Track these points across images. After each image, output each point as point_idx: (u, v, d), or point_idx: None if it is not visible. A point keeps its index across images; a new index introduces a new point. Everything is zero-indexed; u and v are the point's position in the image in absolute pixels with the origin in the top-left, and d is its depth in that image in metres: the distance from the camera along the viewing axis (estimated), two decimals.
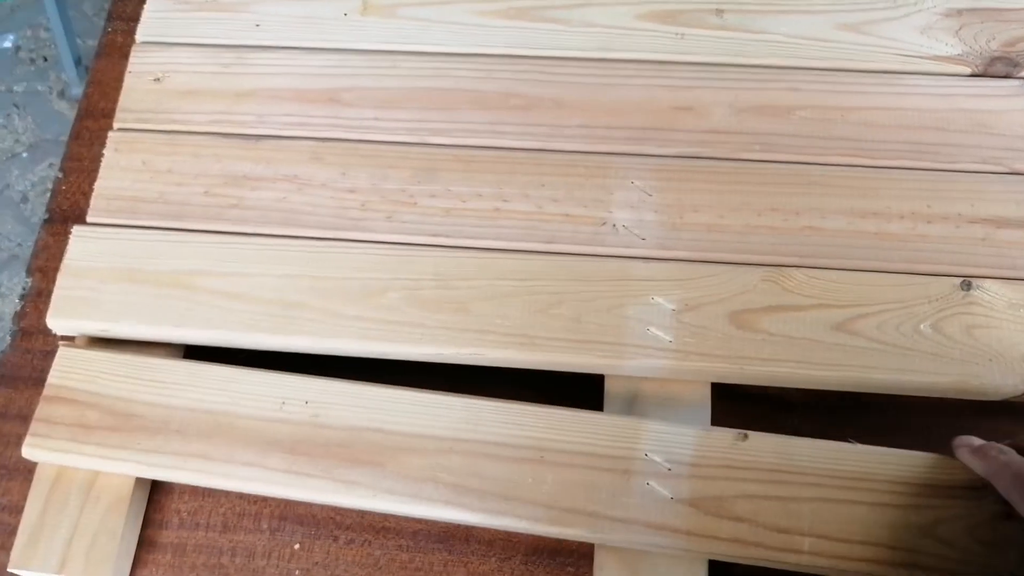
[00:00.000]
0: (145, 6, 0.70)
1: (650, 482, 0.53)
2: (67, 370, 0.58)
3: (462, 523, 0.54)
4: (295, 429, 0.55)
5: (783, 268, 0.59)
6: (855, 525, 0.52)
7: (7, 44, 1.85)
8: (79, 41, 1.75)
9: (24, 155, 1.77)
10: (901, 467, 0.53)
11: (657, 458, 0.54)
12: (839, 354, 0.56)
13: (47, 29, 1.85)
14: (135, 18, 0.71)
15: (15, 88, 1.82)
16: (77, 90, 1.73)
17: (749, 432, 0.54)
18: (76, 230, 0.62)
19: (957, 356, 0.56)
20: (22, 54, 1.84)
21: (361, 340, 0.58)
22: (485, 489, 0.53)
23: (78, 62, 1.72)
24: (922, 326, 0.57)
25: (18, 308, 0.65)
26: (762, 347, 0.56)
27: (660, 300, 0.58)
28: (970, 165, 0.62)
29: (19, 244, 1.66)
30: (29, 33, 1.88)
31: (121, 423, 0.56)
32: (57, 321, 0.59)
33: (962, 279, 0.58)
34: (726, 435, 0.54)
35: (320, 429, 0.55)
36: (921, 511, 0.52)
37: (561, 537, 0.54)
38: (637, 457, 0.54)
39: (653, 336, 0.57)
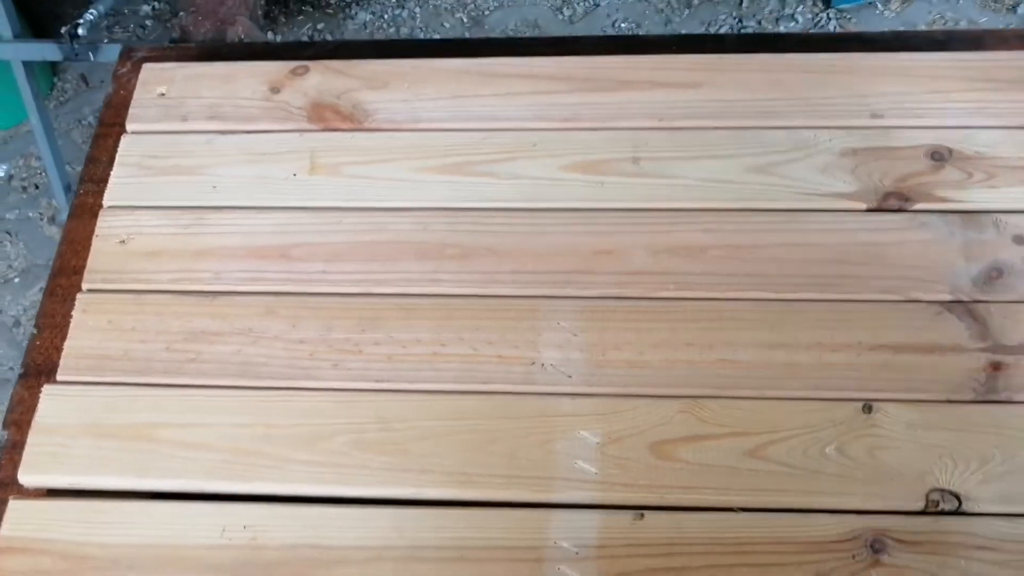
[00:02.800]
0: (112, 172, 0.76)
1: (560, 567, 0.58)
2: (19, 521, 0.62)
3: None
4: (236, 553, 0.60)
5: (699, 399, 0.63)
6: None
7: (0, 174, 1.92)
8: (68, 168, 1.82)
9: (16, 280, 1.83)
10: (782, 528, 0.59)
11: (565, 544, 0.59)
12: (752, 479, 0.61)
13: (38, 158, 1.92)
14: (104, 179, 0.77)
15: (7, 216, 1.88)
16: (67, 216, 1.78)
17: (645, 511, 0.60)
18: (46, 389, 0.67)
19: (860, 477, 0.60)
20: (15, 183, 1.91)
21: (312, 484, 0.62)
22: None
23: (68, 189, 1.78)
24: (827, 449, 0.61)
25: None
26: (681, 475, 0.61)
27: (586, 434, 0.63)
28: (869, 295, 0.67)
29: (11, 368, 1.70)
30: (21, 162, 1.95)
31: (75, 566, 0.60)
32: (28, 477, 0.64)
33: (864, 403, 0.63)
34: (625, 516, 0.60)
35: (259, 551, 0.60)
36: (804, 567, 0.58)
37: None
38: (548, 545, 0.59)
39: (580, 469, 0.61)
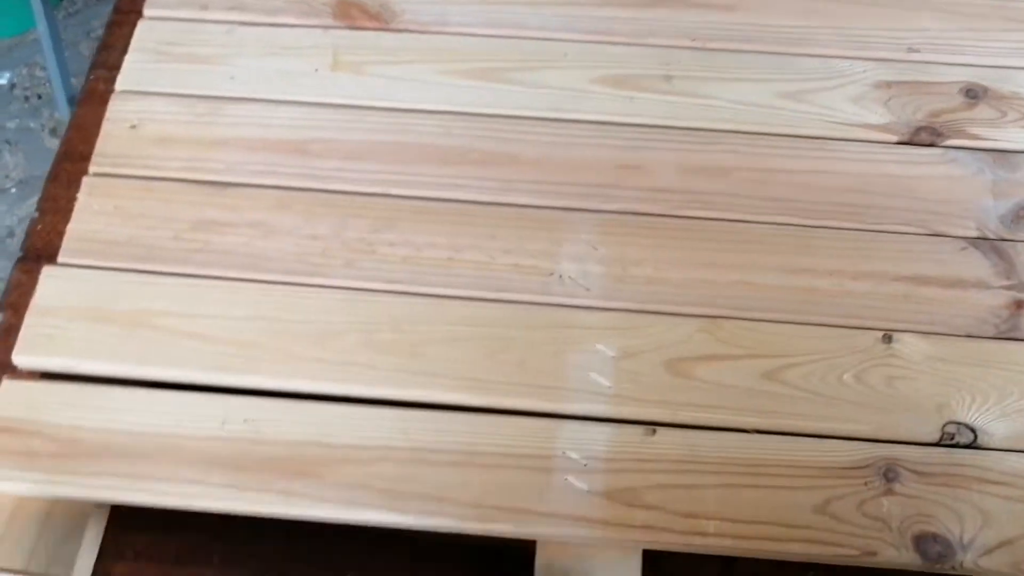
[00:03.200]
0: (127, 57, 0.74)
1: (568, 477, 0.57)
2: (11, 402, 0.60)
3: (397, 526, 0.57)
4: (235, 446, 0.58)
5: (717, 320, 0.62)
6: (755, 507, 0.56)
7: (3, 81, 1.89)
8: (73, 81, 1.79)
9: (13, 191, 1.80)
10: (796, 452, 0.58)
11: (574, 455, 0.58)
12: (767, 401, 0.60)
13: (43, 68, 1.89)
14: (117, 67, 0.75)
15: (8, 124, 1.85)
16: None
17: (657, 427, 0.59)
18: (46, 270, 0.65)
19: (877, 405, 0.59)
20: (17, 91, 1.88)
21: (316, 380, 0.61)
22: (417, 492, 0.57)
23: (71, 101, 1.76)
24: (845, 376, 0.60)
25: None
26: (695, 393, 0.60)
27: (601, 347, 0.61)
28: (894, 227, 0.66)
29: (2, 279, 1.68)
30: (25, 71, 1.92)
31: (66, 449, 0.58)
32: (23, 358, 0.62)
33: (884, 333, 0.62)
34: (636, 430, 0.59)
35: (259, 445, 0.58)
36: (814, 491, 0.57)
37: (490, 533, 0.57)
38: (556, 455, 0.58)
39: (593, 381, 0.60)
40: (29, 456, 0.58)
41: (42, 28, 1.57)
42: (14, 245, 1.73)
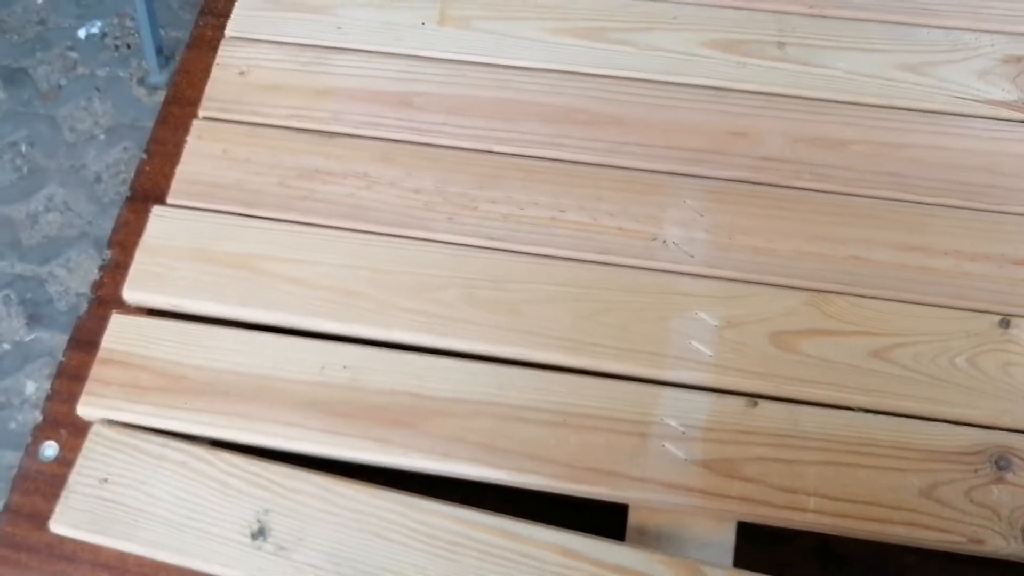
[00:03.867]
0: (236, 3, 0.74)
1: (665, 444, 0.57)
2: (120, 335, 0.62)
3: (488, 480, 0.57)
4: (334, 392, 0.59)
5: (826, 294, 0.61)
6: (857, 487, 0.55)
7: (94, 30, 1.92)
8: (162, 32, 1.82)
9: (101, 137, 1.84)
10: (903, 433, 0.57)
11: (672, 422, 0.57)
12: (874, 380, 0.58)
13: (133, 18, 1.91)
14: (225, 14, 0.75)
15: (98, 72, 1.88)
16: (157, 78, 1.78)
17: (759, 399, 0.57)
18: (156, 210, 0.66)
19: (990, 391, 0.57)
20: (107, 40, 1.91)
21: (414, 332, 0.61)
22: (511, 449, 0.57)
23: (159, 51, 1.78)
24: (958, 359, 0.58)
25: (96, 278, 0.69)
26: (799, 368, 0.59)
27: (704, 316, 0.60)
28: (1017, 208, 0.63)
29: (89, 222, 1.72)
30: (116, 21, 1.94)
31: (171, 384, 0.60)
32: (132, 294, 0.63)
33: (1001, 317, 0.59)
34: (738, 401, 0.58)
35: (357, 392, 0.59)
36: (921, 474, 0.55)
37: (583, 495, 0.56)
38: (654, 421, 0.57)
39: (694, 349, 0.59)
40: (137, 389, 0.59)
41: None
42: (101, 190, 1.77)
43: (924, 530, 0.54)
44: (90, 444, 0.58)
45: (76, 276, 1.69)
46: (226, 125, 0.69)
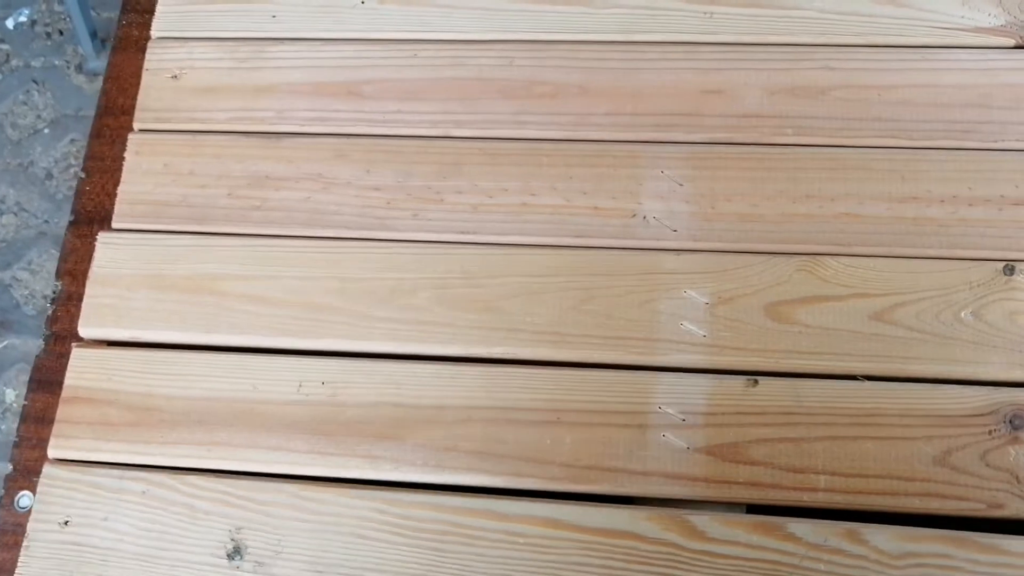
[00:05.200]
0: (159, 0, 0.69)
1: (666, 434, 0.54)
2: (83, 370, 0.59)
3: (486, 487, 0.55)
4: (315, 410, 0.56)
5: (819, 257, 0.58)
6: (869, 460, 0.53)
7: (23, 19, 1.84)
8: (94, 13, 1.74)
9: (46, 131, 1.77)
10: (911, 400, 0.54)
11: (671, 410, 0.55)
12: (877, 345, 0.55)
13: (61, 2, 1.84)
14: (150, 10, 0.70)
15: (33, 63, 1.81)
16: (95, 63, 1.72)
17: (759, 377, 0.55)
18: (101, 237, 0.62)
19: (1000, 344, 0.55)
20: (38, 28, 1.83)
21: (390, 341, 0.58)
22: (506, 453, 0.54)
23: (94, 35, 1.71)
24: (963, 314, 0.56)
25: (49, 312, 0.65)
26: (799, 340, 0.56)
27: (693, 293, 0.57)
28: (1015, 143, 0.60)
29: (46, 221, 1.67)
30: (44, 7, 1.87)
31: (142, 418, 0.57)
32: (89, 330, 0.60)
33: (1005, 263, 0.57)
34: (737, 381, 0.55)
35: (339, 408, 0.56)
36: (933, 441, 0.53)
37: (585, 492, 0.54)
38: (651, 411, 0.55)
39: (686, 330, 0.56)
40: (108, 426, 0.57)
41: None
42: (54, 187, 1.71)
43: (940, 499, 0.52)
44: (43, 487, 0.56)
45: (40, 278, 1.65)
46: (164, 136, 0.64)
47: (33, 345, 1.47)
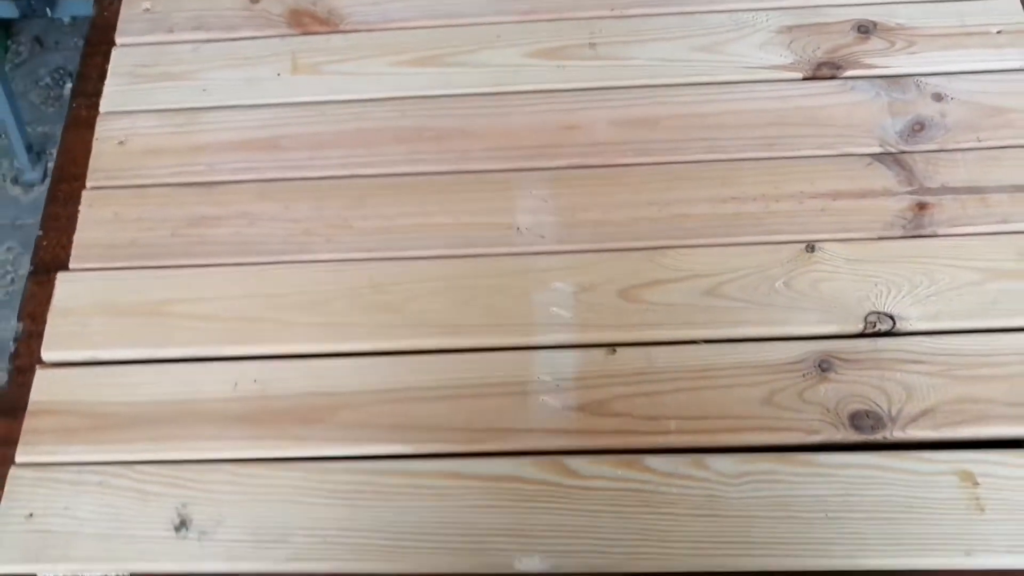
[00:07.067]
0: (106, 82, 0.81)
1: (544, 398, 0.65)
2: (46, 388, 0.68)
3: (398, 455, 0.64)
4: (248, 404, 0.66)
5: (660, 249, 0.71)
6: (709, 405, 0.65)
7: None
8: (29, 129, 1.83)
9: None
10: (740, 355, 0.66)
11: (547, 378, 0.66)
12: (711, 314, 0.68)
13: None
14: (96, 93, 0.82)
15: None
16: (31, 175, 1.79)
17: (617, 347, 0.67)
18: (61, 276, 0.72)
19: (808, 307, 0.68)
20: None
21: (312, 342, 0.68)
22: (413, 425, 0.65)
23: (29, 149, 1.79)
24: (777, 284, 0.69)
25: (12, 349, 0.74)
26: (647, 315, 0.68)
27: (560, 285, 0.69)
28: (807, 151, 0.75)
29: None
30: None
31: (99, 423, 0.66)
32: (50, 354, 0.69)
33: (806, 243, 0.70)
34: (599, 352, 0.67)
35: (269, 400, 0.66)
36: (760, 387, 0.65)
37: (481, 451, 0.64)
38: (531, 380, 0.66)
39: (556, 314, 0.68)
40: (68, 432, 0.66)
41: None
42: None
43: (769, 432, 0.64)
44: (10, 487, 0.64)
45: None
46: (114, 191, 0.76)
47: None
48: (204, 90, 0.80)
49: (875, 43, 0.80)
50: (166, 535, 0.62)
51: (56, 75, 1.97)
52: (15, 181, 1.88)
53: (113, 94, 0.81)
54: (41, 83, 1.95)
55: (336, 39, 0.82)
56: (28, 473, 0.65)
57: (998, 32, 0.80)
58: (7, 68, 1.90)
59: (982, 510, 0.60)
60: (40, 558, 0.62)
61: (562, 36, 0.81)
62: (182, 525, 0.63)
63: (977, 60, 0.79)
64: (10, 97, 1.70)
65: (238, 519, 0.62)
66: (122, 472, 0.64)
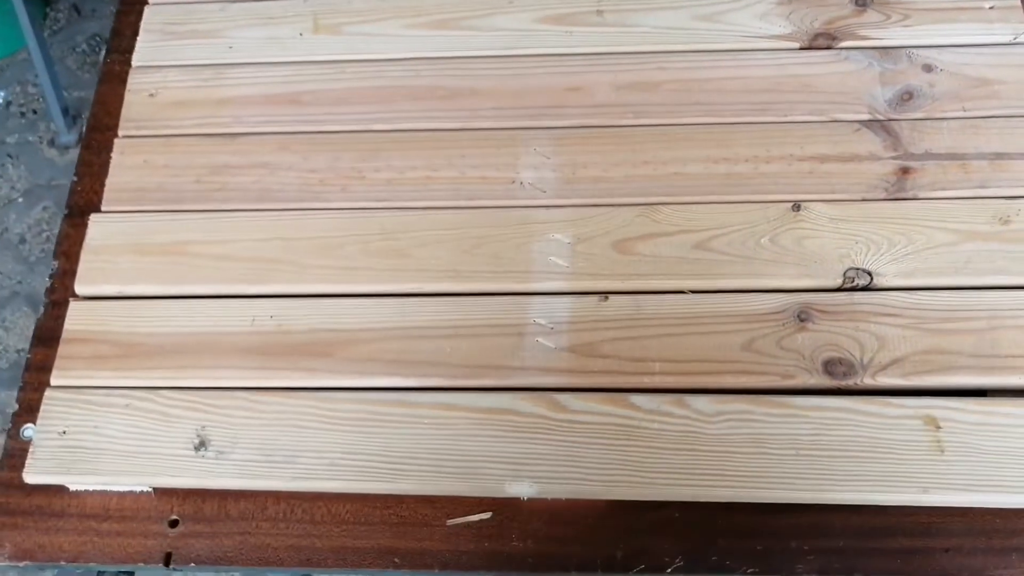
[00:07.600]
0: (138, 39, 0.86)
1: (538, 339, 0.70)
2: (80, 318, 0.73)
3: (400, 387, 0.69)
4: (265, 338, 0.71)
5: (654, 206, 0.75)
6: (692, 349, 0.69)
7: None
8: (65, 93, 1.89)
9: (20, 200, 1.90)
10: (724, 305, 0.71)
11: (542, 321, 0.71)
12: (699, 266, 0.72)
13: (35, 84, 1.99)
14: (129, 50, 0.87)
15: (8, 140, 1.95)
16: (66, 138, 1.85)
17: (609, 295, 0.71)
18: (93, 217, 0.77)
19: (790, 261, 0.72)
20: (13, 108, 1.98)
21: (325, 283, 0.73)
22: (416, 360, 0.69)
23: (66, 112, 1.85)
24: (762, 240, 0.73)
25: (48, 285, 0.80)
26: (638, 266, 0.72)
27: (558, 236, 0.74)
28: (799, 117, 0.78)
29: (19, 282, 1.79)
30: (19, 89, 2.01)
31: (128, 351, 0.71)
32: (83, 287, 0.75)
33: (793, 203, 0.74)
34: (592, 299, 0.71)
35: (284, 335, 0.71)
36: (741, 334, 0.69)
37: (478, 386, 0.69)
38: (527, 323, 0.71)
39: (553, 263, 0.73)
40: (99, 359, 0.71)
41: (33, 47, 1.67)
42: (27, 250, 1.84)
43: (747, 376, 0.68)
44: (46, 406, 0.70)
45: (13, 334, 1.75)
46: (144, 140, 0.81)
47: (8, 397, 1.59)
48: (230, 47, 0.85)
49: (871, 16, 0.83)
50: (186, 453, 0.68)
51: (92, 42, 2.03)
52: (51, 143, 1.94)
53: (144, 50, 0.86)
54: (78, 49, 2.01)
55: (356, 2, 0.87)
56: (62, 395, 0.70)
57: (990, 8, 0.83)
58: (45, 35, 1.96)
59: (942, 451, 0.64)
60: (71, 471, 0.68)
61: (571, 3, 0.85)
62: (201, 445, 0.68)
63: (968, 34, 0.82)
64: (48, 63, 1.76)
65: (252, 441, 0.68)
66: (147, 396, 0.70)
